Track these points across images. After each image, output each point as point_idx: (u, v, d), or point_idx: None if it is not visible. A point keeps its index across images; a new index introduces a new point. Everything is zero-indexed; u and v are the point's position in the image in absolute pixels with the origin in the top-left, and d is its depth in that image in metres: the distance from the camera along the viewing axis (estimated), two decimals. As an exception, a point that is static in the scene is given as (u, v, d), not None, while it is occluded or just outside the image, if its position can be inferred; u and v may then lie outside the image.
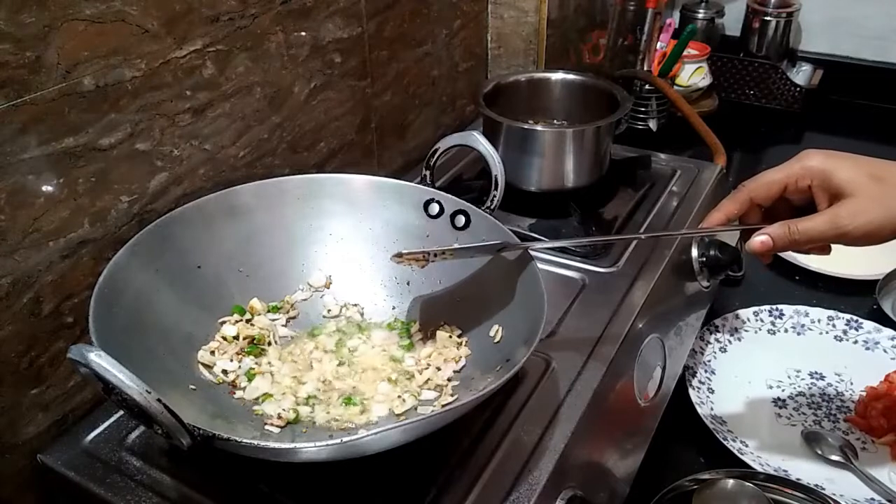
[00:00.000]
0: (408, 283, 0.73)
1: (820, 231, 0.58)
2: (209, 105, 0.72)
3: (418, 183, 0.76)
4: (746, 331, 0.98)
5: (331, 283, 0.74)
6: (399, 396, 0.63)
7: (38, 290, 0.61)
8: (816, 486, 0.75)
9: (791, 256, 1.11)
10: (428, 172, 0.80)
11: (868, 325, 0.96)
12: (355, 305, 0.73)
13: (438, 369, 0.65)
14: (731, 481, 0.72)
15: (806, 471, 0.79)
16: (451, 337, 0.68)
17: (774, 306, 1.00)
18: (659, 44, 1.41)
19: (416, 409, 0.62)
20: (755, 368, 0.93)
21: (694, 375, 0.90)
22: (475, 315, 0.68)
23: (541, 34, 1.15)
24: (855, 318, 0.97)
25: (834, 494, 0.73)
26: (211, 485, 0.58)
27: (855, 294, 1.06)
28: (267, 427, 0.60)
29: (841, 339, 0.97)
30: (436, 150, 0.78)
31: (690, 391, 0.87)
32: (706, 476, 0.73)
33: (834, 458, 0.80)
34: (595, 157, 0.91)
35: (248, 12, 0.73)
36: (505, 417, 0.62)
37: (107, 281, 0.58)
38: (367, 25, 0.90)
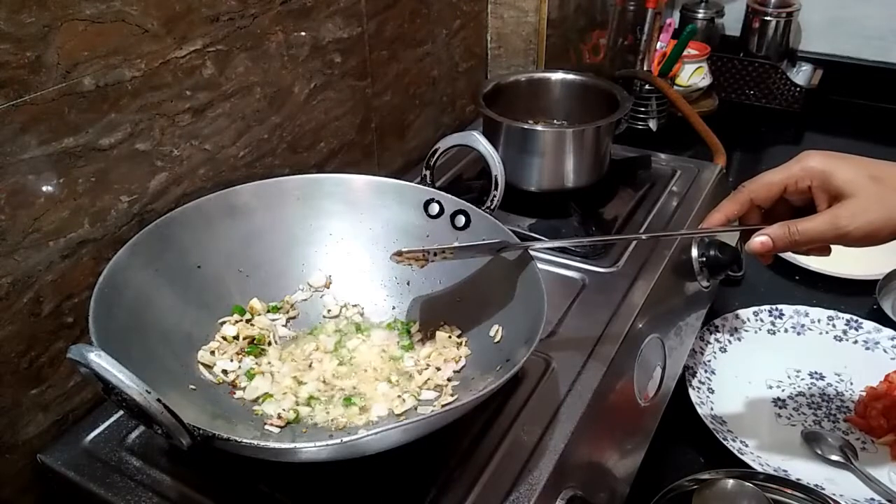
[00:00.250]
0: (408, 283, 0.73)
1: (820, 232, 0.58)
2: (209, 105, 0.72)
3: (418, 183, 0.76)
4: (746, 331, 0.98)
5: (331, 283, 0.74)
6: (399, 396, 0.63)
7: (38, 290, 0.61)
8: (816, 486, 0.75)
9: (791, 256, 1.11)
10: (428, 172, 0.80)
11: (868, 325, 0.96)
12: (355, 305, 0.73)
13: (438, 369, 0.65)
14: (731, 481, 0.72)
15: (806, 471, 0.79)
16: (450, 337, 0.68)
17: (774, 306, 1.00)
18: (659, 44, 1.41)
19: (415, 409, 0.62)
20: (755, 368, 0.93)
21: (694, 375, 0.90)
22: (475, 315, 0.68)
23: (541, 34, 1.15)
24: (855, 318, 0.97)
25: (834, 494, 0.73)
26: (211, 485, 0.58)
27: (855, 294, 1.06)
28: (267, 427, 0.60)
29: (841, 339, 0.97)
30: (436, 150, 0.78)
31: (690, 391, 0.87)
32: (706, 476, 0.73)
33: (834, 458, 0.80)
34: (595, 157, 0.91)
35: (248, 12, 0.73)
36: (505, 417, 0.62)
37: (107, 281, 0.58)
38: (367, 25, 0.90)
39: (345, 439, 0.47)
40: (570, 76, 0.99)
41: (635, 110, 1.40)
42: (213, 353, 0.65)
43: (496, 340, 0.65)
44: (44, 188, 0.59)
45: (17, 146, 0.56)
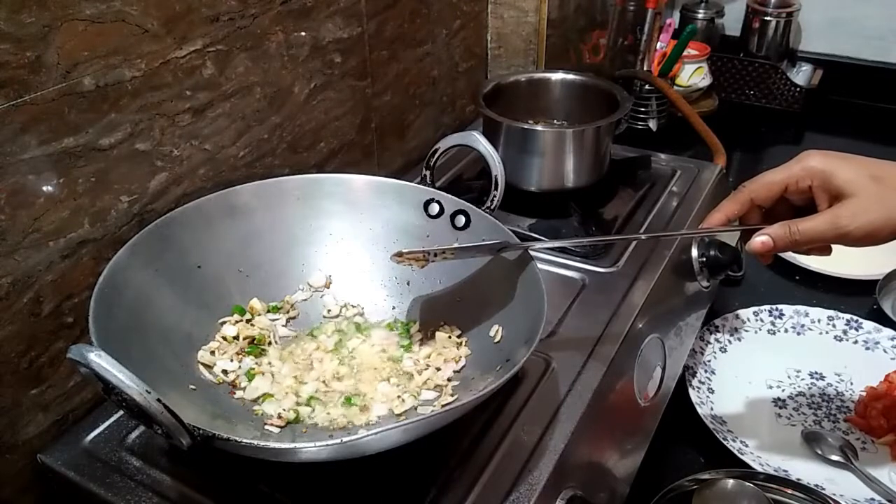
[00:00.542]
0: (408, 283, 0.73)
1: (820, 231, 0.58)
2: (209, 105, 0.72)
3: (418, 183, 0.76)
4: (746, 331, 0.98)
5: (331, 283, 0.74)
6: (399, 396, 0.63)
7: (38, 290, 0.61)
8: (816, 486, 0.75)
9: (791, 256, 1.11)
10: (428, 172, 0.80)
11: (868, 325, 0.96)
12: (355, 306, 0.73)
13: (438, 369, 0.65)
14: (731, 481, 0.72)
15: (806, 471, 0.79)
16: (450, 337, 0.68)
17: (774, 306, 1.00)
18: (659, 44, 1.41)
19: (415, 409, 0.62)
20: (755, 368, 0.93)
21: (694, 375, 0.90)
22: (475, 315, 0.68)
23: (541, 34, 1.15)
24: (855, 318, 0.97)
25: (834, 494, 0.73)
26: (211, 485, 0.58)
27: (855, 294, 1.06)
28: (267, 427, 0.60)
29: (841, 339, 0.97)
30: (436, 150, 0.78)
31: (690, 391, 0.87)
32: (706, 476, 0.73)
33: (834, 458, 0.80)
34: (595, 157, 0.91)
35: (248, 12, 0.73)
36: (505, 417, 0.62)
37: (107, 281, 0.58)
38: (367, 25, 0.90)
39: (345, 439, 0.47)
40: (570, 76, 0.99)
41: (635, 110, 1.40)
42: (213, 353, 0.65)
43: (496, 340, 0.65)
44: (44, 188, 0.59)
45: (17, 146, 0.56)
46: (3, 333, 0.59)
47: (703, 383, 0.89)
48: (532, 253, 0.66)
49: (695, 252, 0.88)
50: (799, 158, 0.61)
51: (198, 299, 0.67)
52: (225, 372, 0.64)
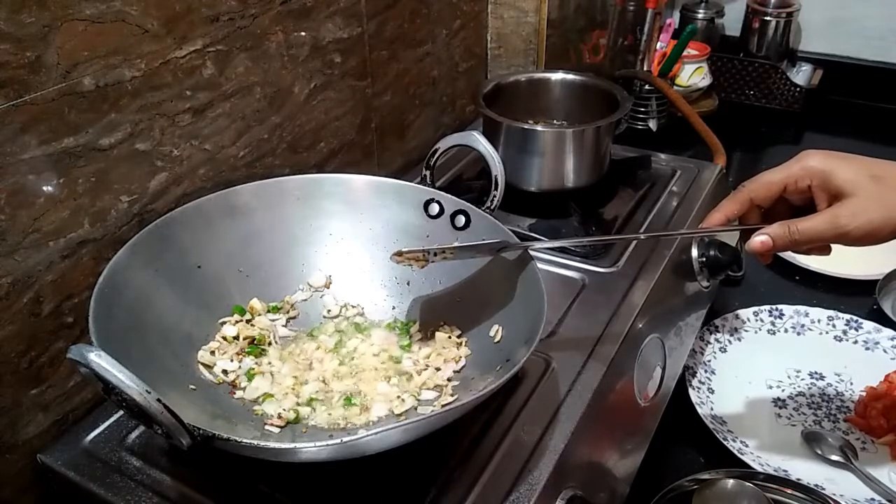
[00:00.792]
0: (408, 283, 0.73)
1: (820, 231, 0.58)
2: (209, 105, 0.72)
3: (418, 183, 0.76)
4: (746, 331, 0.98)
5: (331, 283, 0.74)
6: (399, 396, 0.63)
7: (38, 290, 0.61)
8: (816, 486, 0.75)
9: (791, 256, 1.11)
10: (428, 172, 0.80)
11: (868, 325, 0.96)
12: (355, 306, 0.73)
13: (438, 369, 0.65)
14: (731, 481, 0.72)
15: (806, 471, 0.79)
16: (450, 337, 0.68)
17: (774, 306, 1.00)
18: (659, 44, 1.41)
19: (415, 409, 0.62)
20: (755, 368, 0.93)
21: (694, 375, 0.90)
22: (475, 315, 0.68)
23: (541, 34, 1.15)
24: (855, 318, 0.97)
25: (834, 494, 0.73)
26: (211, 485, 0.58)
27: (855, 294, 1.06)
28: (267, 427, 0.60)
29: (841, 339, 0.97)
30: (436, 150, 0.78)
31: (690, 391, 0.87)
32: (706, 476, 0.73)
33: (834, 458, 0.80)
34: (595, 157, 0.91)
35: (248, 12, 0.73)
36: (505, 417, 0.62)
37: (107, 281, 0.58)
38: (367, 25, 0.90)
39: (345, 439, 0.47)
40: (570, 76, 0.99)
41: (635, 110, 1.40)
42: (213, 353, 0.65)
43: (496, 340, 0.65)
44: (44, 188, 0.59)
45: (17, 146, 0.56)
46: (3, 333, 0.59)
47: (703, 383, 0.89)
48: (532, 253, 0.66)
49: (695, 252, 0.88)
50: (798, 158, 0.61)
51: (198, 299, 0.67)
52: (225, 372, 0.64)
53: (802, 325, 0.98)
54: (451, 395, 0.63)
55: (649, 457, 0.75)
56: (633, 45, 1.38)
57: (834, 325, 0.98)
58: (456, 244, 0.67)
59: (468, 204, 0.71)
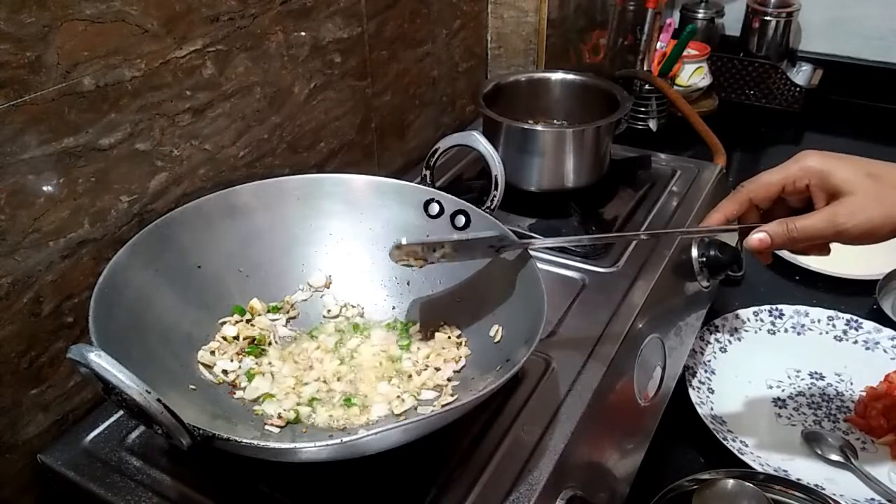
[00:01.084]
0: (408, 283, 0.73)
1: (818, 229, 0.58)
2: (209, 105, 0.72)
3: (418, 183, 0.76)
4: (746, 331, 0.98)
5: (331, 283, 0.74)
6: (399, 396, 0.63)
7: (38, 290, 0.61)
8: (816, 486, 0.75)
9: (791, 256, 1.11)
10: (428, 172, 0.80)
11: (868, 325, 0.96)
12: (355, 306, 0.73)
13: (438, 369, 0.65)
14: (731, 481, 0.72)
15: (806, 471, 0.79)
16: (450, 337, 0.68)
17: (774, 306, 1.00)
18: (659, 44, 1.41)
19: (415, 409, 0.62)
20: (755, 368, 0.93)
21: (694, 375, 0.90)
22: (475, 315, 0.68)
23: (541, 34, 1.15)
24: (855, 318, 0.97)
25: (834, 494, 0.73)
26: (211, 485, 0.58)
27: (855, 294, 1.06)
28: (267, 427, 0.60)
29: (841, 339, 0.97)
30: (436, 150, 0.78)
31: (690, 391, 0.87)
32: (706, 476, 0.73)
33: (834, 458, 0.80)
34: (595, 157, 0.91)
35: (248, 12, 0.73)
36: (505, 417, 0.62)
37: (107, 281, 0.58)
38: (367, 25, 0.90)
39: (345, 439, 0.47)
40: (570, 76, 0.99)
41: (635, 110, 1.40)
42: (213, 353, 0.65)
43: (496, 340, 0.65)
44: (44, 188, 0.59)
45: (17, 146, 0.56)
46: (3, 333, 0.59)
47: (703, 383, 0.89)
48: (532, 253, 0.66)
49: (695, 252, 0.88)
50: (796, 158, 0.61)
51: (198, 299, 0.67)
52: (225, 372, 0.64)
53: (802, 325, 0.98)
54: (451, 395, 0.63)
55: (649, 457, 0.75)
56: (633, 45, 1.38)
57: (834, 325, 0.98)
58: (455, 237, 0.67)
59: (468, 204, 0.71)
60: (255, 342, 0.67)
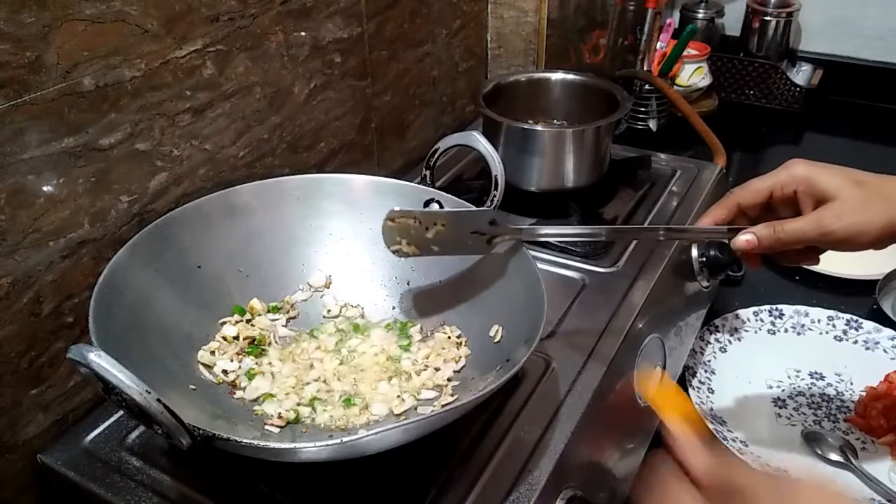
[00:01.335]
0: (408, 283, 0.73)
1: (805, 231, 0.59)
2: (209, 105, 0.72)
3: (418, 183, 0.76)
4: (746, 331, 0.98)
5: (331, 283, 0.74)
6: (398, 396, 0.63)
7: (38, 290, 0.61)
8: (816, 486, 0.74)
9: (791, 256, 1.11)
10: (428, 172, 0.80)
11: (868, 325, 0.96)
12: (355, 306, 0.73)
13: (438, 369, 0.65)
14: (731, 481, 0.72)
15: (806, 471, 0.79)
16: (450, 337, 0.68)
17: (774, 306, 1.00)
18: (659, 44, 1.41)
19: (415, 409, 0.62)
20: (755, 368, 0.93)
21: (694, 375, 0.90)
22: (475, 315, 0.68)
23: (541, 34, 1.15)
24: (855, 318, 0.97)
25: (834, 494, 0.73)
26: (211, 485, 0.58)
27: (855, 294, 1.06)
28: (267, 427, 0.60)
29: (841, 339, 0.97)
30: (436, 150, 0.79)
31: (690, 391, 0.87)
32: (706, 476, 0.73)
33: (834, 458, 0.80)
34: (595, 157, 0.91)
35: (248, 12, 0.73)
36: (505, 417, 0.62)
37: (107, 281, 0.58)
38: (367, 25, 0.90)
39: (345, 439, 0.47)
40: (570, 76, 0.99)
41: (635, 110, 1.40)
42: (213, 353, 0.65)
43: (496, 340, 0.65)
44: (44, 188, 0.59)
45: (17, 146, 0.56)
46: (3, 333, 0.59)
47: (703, 383, 0.89)
48: (532, 253, 0.66)
49: (695, 252, 0.88)
50: (785, 166, 0.63)
51: (198, 299, 0.67)
52: (225, 372, 0.64)
53: (802, 325, 0.99)
54: (451, 395, 0.63)
55: (649, 457, 0.75)
56: (633, 45, 1.38)
57: (834, 325, 0.98)
58: (447, 209, 0.66)
59: (468, 204, 0.71)
60: (255, 342, 0.67)
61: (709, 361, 0.93)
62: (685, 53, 1.42)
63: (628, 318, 0.73)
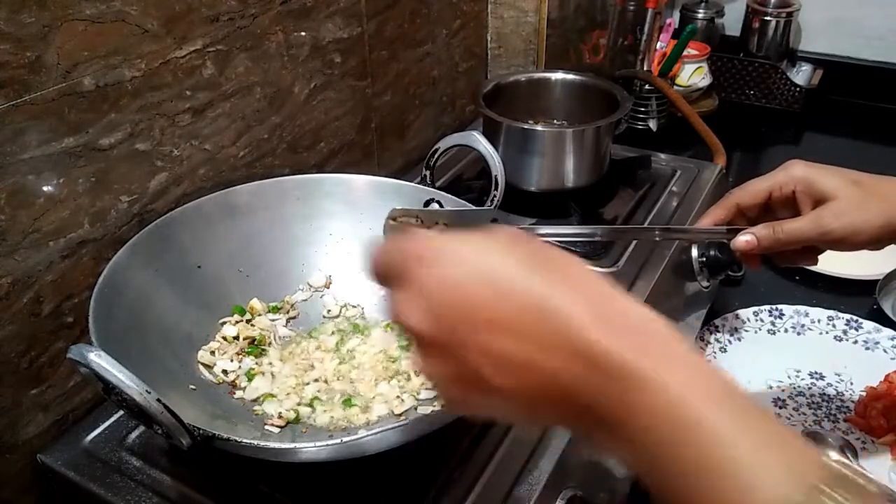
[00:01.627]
0: (408, 283, 0.73)
1: (804, 231, 0.60)
2: (209, 105, 0.72)
3: (418, 183, 0.76)
4: (746, 331, 0.98)
5: (331, 284, 0.74)
6: (398, 396, 0.63)
7: (38, 290, 0.61)
8: (816, 486, 0.74)
9: (791, 256, 1.11)
10: (428, 172, 0.80)
11: (868, 325, 0.96)
12: (355, 306, 0.73)
13: (438, 369, 0.65)
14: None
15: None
16: (451, 337, 0.68)
17: (774, 306, 1.00)
18: (659, 44, 1.41)
19: (415, 408, 0.62)
20: (755, 368, 0.93)
21: (694, 375, 0.89)
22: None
23: (541, 34, 1.15)
24: (855, 318, 0.97)
25: (834, 494, 0.73)
26: (211, 485, 0.58)
27: (855, 294, 1.05)
28: (267, 427, 0.60)
29: (841, 339, 0.97)
30: (436, 150, 0.79)
31: (690, 391, 0.86)
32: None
33: (834, 457, 0.80)
34: (595, 157, 0.91)
35: (248, 12, 0.73)
36: (505, 417, 0.62)
37: (107, 281, 0.58)
38: (367, 25, 0.90)
39: (345, 439, 0.47)
40: (570, 76, 0.99)
41: (635, 110, 1.40)
42: (213, 353, 0.65)
43: (496, 340, 0.65)
44: (44, 188, 0.59)
45: (17, 146, 0.56)
46: (3, 333, 0.59)
47: (703, 383, 0.89)
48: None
49: (695, 252, 0.88)
50: (783, 167, 0.63)
51: (198, 299, 0.67)
52: (225, 372, 0.64)
53: (802, 325, 0.98)
54: (451, 395, 0.62)
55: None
56: (633, 45, 1.38)
57: (834, 325, 0.98)
58: (449, 208, 0.66)
59: (468, 204, 0.71)
60: (255, 342, 0.67)
61: (709, 361, 0.93)
62: (685, 53, 1.42)
63: (628, 318, 0.73)
